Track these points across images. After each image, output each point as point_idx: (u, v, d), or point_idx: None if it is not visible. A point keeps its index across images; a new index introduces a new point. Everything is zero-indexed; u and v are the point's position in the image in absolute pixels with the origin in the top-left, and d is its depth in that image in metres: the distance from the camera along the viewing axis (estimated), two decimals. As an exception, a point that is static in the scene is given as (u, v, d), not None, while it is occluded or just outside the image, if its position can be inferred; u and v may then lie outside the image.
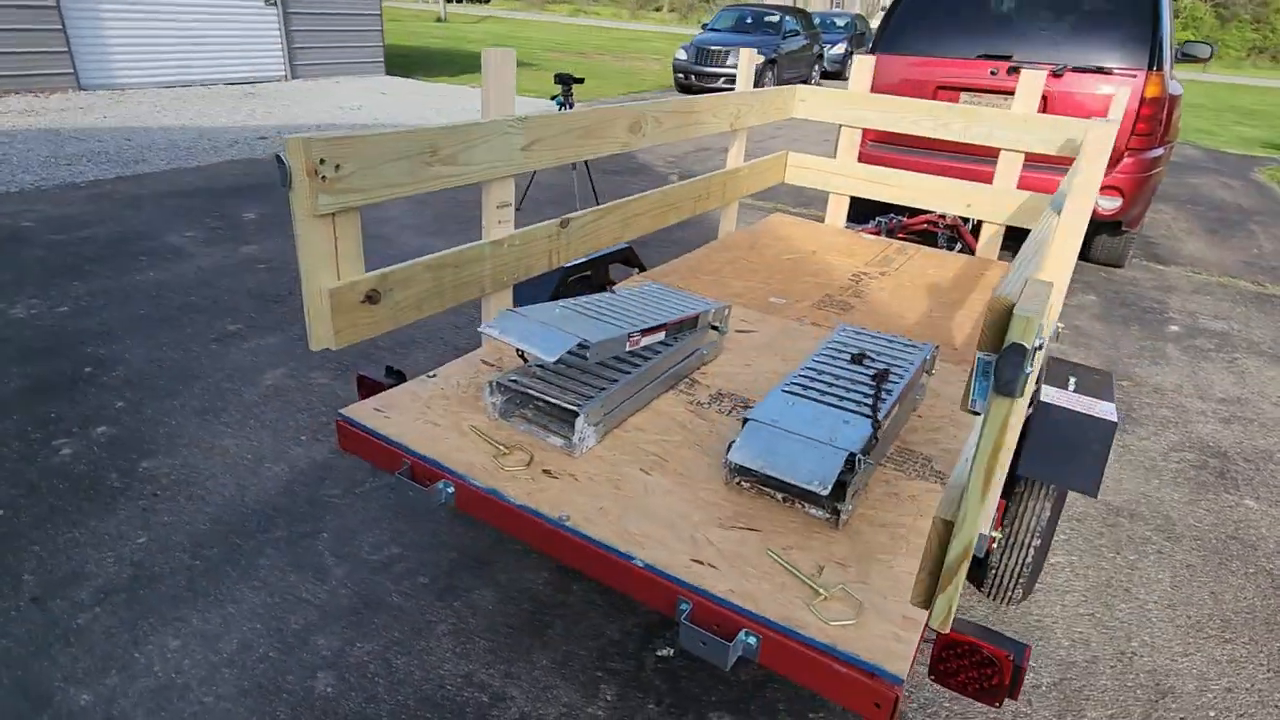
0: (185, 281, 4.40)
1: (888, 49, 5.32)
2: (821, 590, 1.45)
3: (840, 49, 18.52)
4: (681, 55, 14.48)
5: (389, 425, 1.90)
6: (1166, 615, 2.38)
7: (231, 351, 3.65)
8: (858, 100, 3.77)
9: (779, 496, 1.74)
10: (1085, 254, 5.65)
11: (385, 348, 3.77)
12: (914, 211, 4.87)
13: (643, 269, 3.14)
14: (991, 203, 3.57)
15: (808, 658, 1.35)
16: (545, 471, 1.78)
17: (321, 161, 1.68)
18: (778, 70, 14.59)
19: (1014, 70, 4.81)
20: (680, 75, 14.63)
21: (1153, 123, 4.59)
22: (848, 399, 1.84)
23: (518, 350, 1.87)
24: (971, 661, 1.39)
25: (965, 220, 4.72)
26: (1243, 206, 8.41)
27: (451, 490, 1.76)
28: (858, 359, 2.03)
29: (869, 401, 1.82)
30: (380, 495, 2.70)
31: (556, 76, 5.78)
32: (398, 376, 2.18)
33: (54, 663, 1.98)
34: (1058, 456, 1.95)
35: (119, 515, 2.52)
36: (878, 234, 4.42)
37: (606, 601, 2.29)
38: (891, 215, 4.53)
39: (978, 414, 1.02)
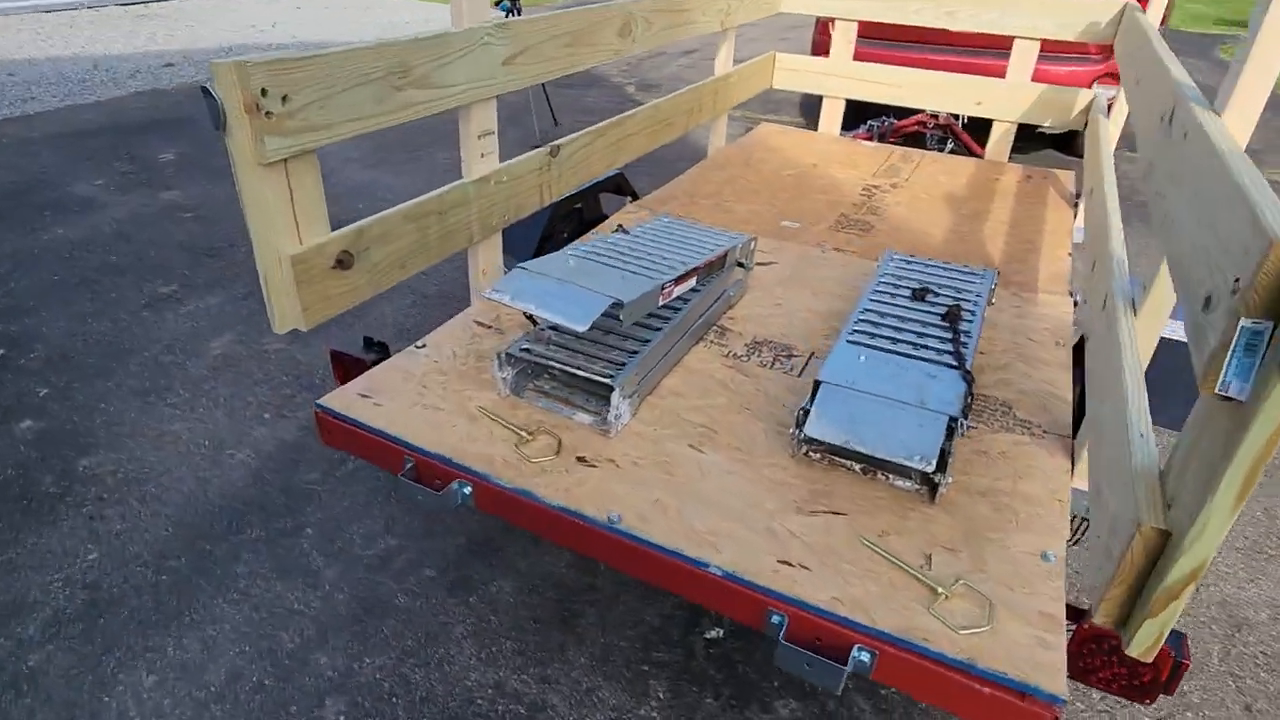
0: (101, 237, 3.86)
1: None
2: (940, 589, 1.22)
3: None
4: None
5: (381, 415, 1.58)
6: (1225, 540, 2.26)
7: (167, 318, 3.20)
8: (851, -12, 3.37)
9: (856, 467, 1.49)
10: (1069, 147, 5.43)
11: (345, 301, 3.37)
12: (903, 113, 4.53)
13: (635, 197, 2.79)
14: (1005, 99, 3.26)
15: (938, 675, 1.13)
16: (579, 459, 1.49)
17: (264, 93, 1.28)
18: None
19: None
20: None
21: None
22: (923, 346, 1.57)
23: (485, 294, 1.55)
24: (1120, 657, 1.19)
25: (957, 118, 4.41)
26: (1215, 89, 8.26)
27: (469, 491, 1.46)
28: (919, 295, 1.76)
29: (947, 348, 1.56)
30: (367, 475, 2.39)
31: (501, -20, 5.16)
32: (380, 350, 1.84)
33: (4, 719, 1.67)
34: None
35: (62, 528, 2.16)
36: (870, 139, 4.10)
37: (640, 582, 2.06)
38: (883, 118, 4.19)
39: (1230, 399, 0.76)
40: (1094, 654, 1.19)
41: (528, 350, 1.60)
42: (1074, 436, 1.65)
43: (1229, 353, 0.75)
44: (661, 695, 1.76)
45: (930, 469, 1.31)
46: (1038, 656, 1.12)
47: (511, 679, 1.79)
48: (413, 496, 1.49)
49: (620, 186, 2.69)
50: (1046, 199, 2.96)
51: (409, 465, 1.51)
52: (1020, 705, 1.08)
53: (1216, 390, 0.77)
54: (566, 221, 2.47)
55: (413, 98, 1.60)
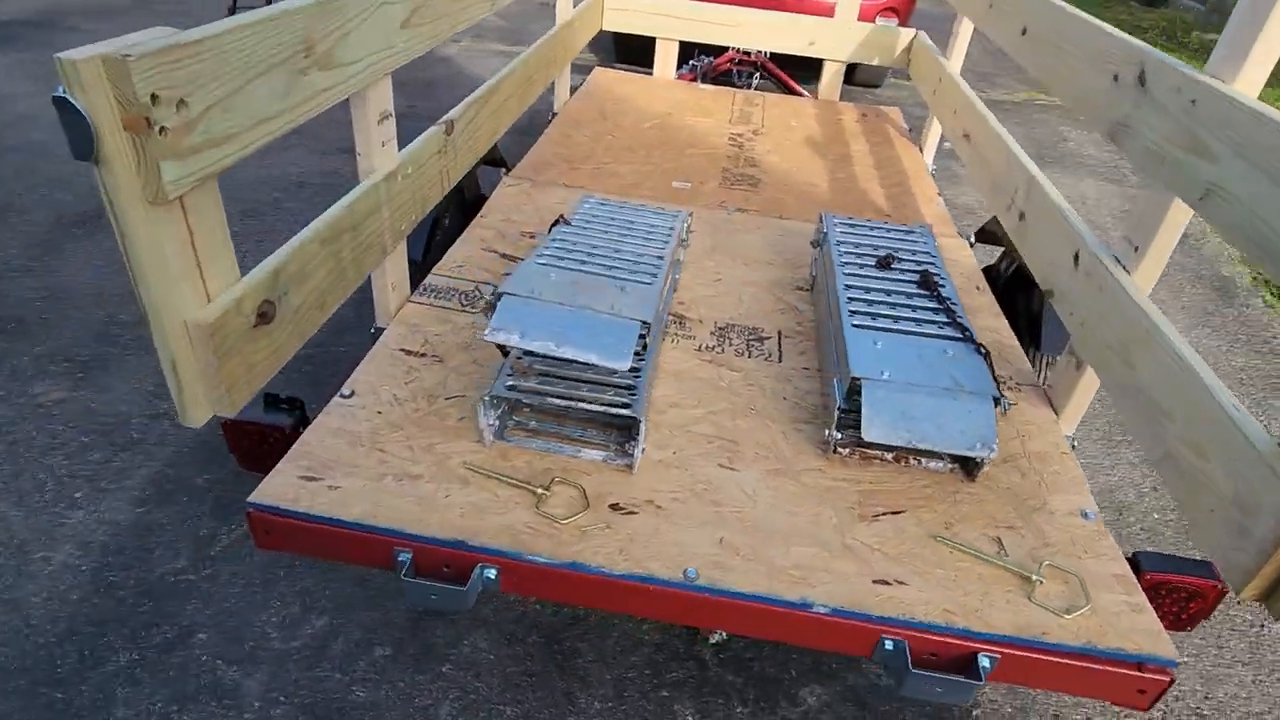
0: None
1: None
2: (1032, 575, 1.22)
3: None
4: None
5: (345, 500, 1.24)
6: (1083, 432, 2.61)
7: None
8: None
9: (888, 456, 1.45)
10: (850, 78, 5.79)
11: (120, 327, 2.66)
12: (718, 52, 4.50)
13: (509, 168, 2.46)
14: (835, 39, 3.33)
15: (1058, 665, 1.14)
16: (614, 508, 1.28)
17: (154, 99, 0.86)
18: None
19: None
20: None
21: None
22: (919, 320, 1.55)
23: (487, 337, 1.27)
24: (1173, 597, 1.28)
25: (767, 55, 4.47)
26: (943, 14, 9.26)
27: (494, 574, 1.20)
28: (885, 263, 1.73)
29: (939, 318, 1.56)
30: (249, 540, 1.93)
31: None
32: (292, 409, 1.43)
33: None
34: None
35: None
36: (694, 79, 4.02)
37: (619, 596, 1.90)
38: (703, 58, 4.12)
39: None
40: (1151, 599, 1.27)
41: (522, 388, 1.32)
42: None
43: None
44: (691, 718, 1.66)
45: (993, 454, 1.30)
46: (1137, 623, 1.17)
47: (527, 751, 1.58)
48: (422, 598, 1.20)
49: (495, 158, 2.35)
50: (891, 138, 3.10)
51: (403, 558, 1.20)
52: (1140, 676, 1.12)
53: None
54: (446, 204, 2.11)
55: (316, 84, 1.21)
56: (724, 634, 1.84)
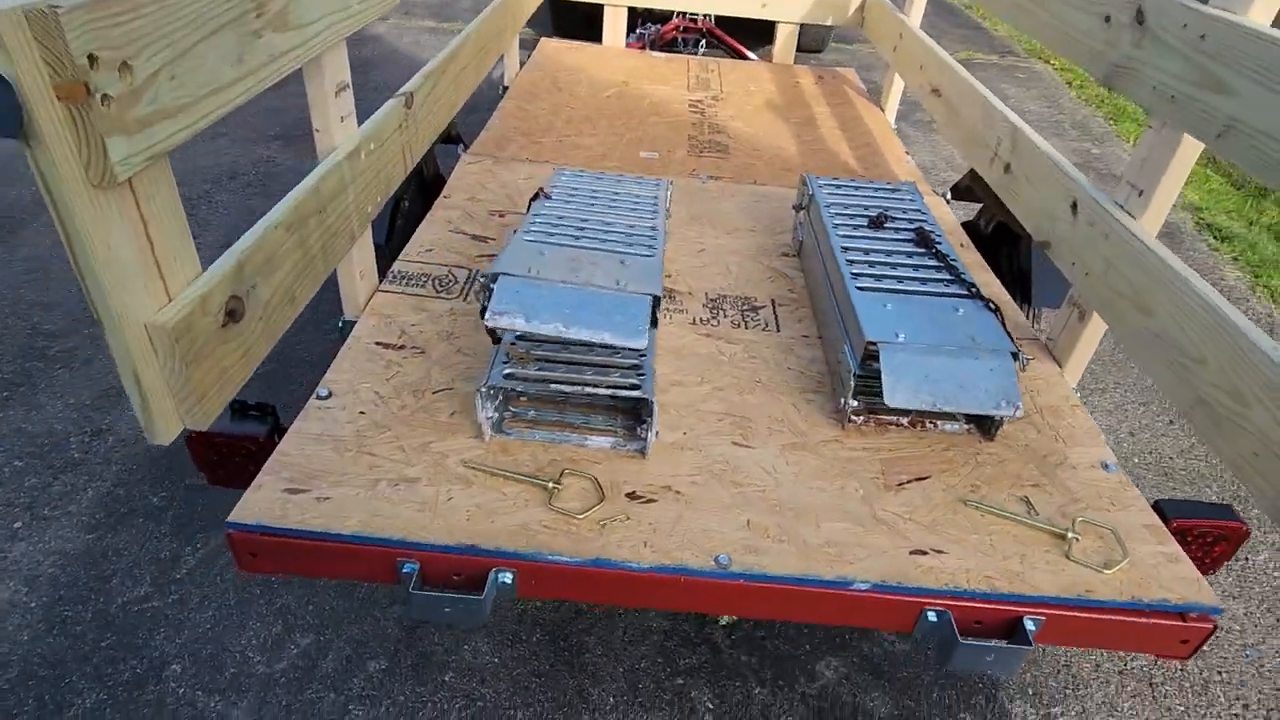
0: None
1: None
2: (1067, 532, 1.19)
3: None
4: None
5: (339, 511, 1.12)
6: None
7: None
8: (624, -121, 3.05)
9: (903, 421, 1.40)
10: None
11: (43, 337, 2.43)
12: (664, 19, 4.38)
13: (466, 145, 2.32)
14: (787, 0, 3.25)
15: (1106, 623, 1.11)
16: (630, 496, 1.20)
17: (92, 61, 0.73)
18: None
19: None
20: None
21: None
22: (923, 279, 1.50)
23: (489, 322, 1.17)
24: (1199, 542, 1.27)
25: (708, 19, 4.37)
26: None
27: (510, 579, 1.11)
28: (877, 222, 1.67)
29: (942, 275, 1.51)
30: (222, 561, 1.79)
31: None
32: (264, 416, 1.29)
33: None
34: None
35: None
36: (643, 48, 3.90)
37: (622, 585, 1.83)
38: (649, 25, 4.00)
39: None
40: (1181, 543, 1.25)
41: (514, 376, 1.22)
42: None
43: None
44: (710, 704, 1.60)
45: (1019, 413, 1.26)
46: (1177, 573, 1.15)
47: (545, 756, 1.50)
48: (433, 612, 1.10)
49: (451, 134, 2.21)
50: (851, 99, 3.05)
51: (408, 570, 1.10)
52: (1184, 626, 1.10)
53: None
54: (406, 185, 1.97)
55: (272, 47, 1.07)
56: (734, 615, 1.78)
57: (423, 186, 2.08)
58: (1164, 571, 1.15)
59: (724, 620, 1.77)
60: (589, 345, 1.22)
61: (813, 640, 1.74)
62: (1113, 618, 1.11)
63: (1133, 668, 1.76)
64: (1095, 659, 1.77)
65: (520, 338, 1.28)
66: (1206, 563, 1.30)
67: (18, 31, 0.67)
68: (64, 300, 2.62)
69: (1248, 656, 1.81)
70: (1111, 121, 5.13)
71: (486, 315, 1.15)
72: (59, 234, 0.80)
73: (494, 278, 1.20)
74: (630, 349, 1.17)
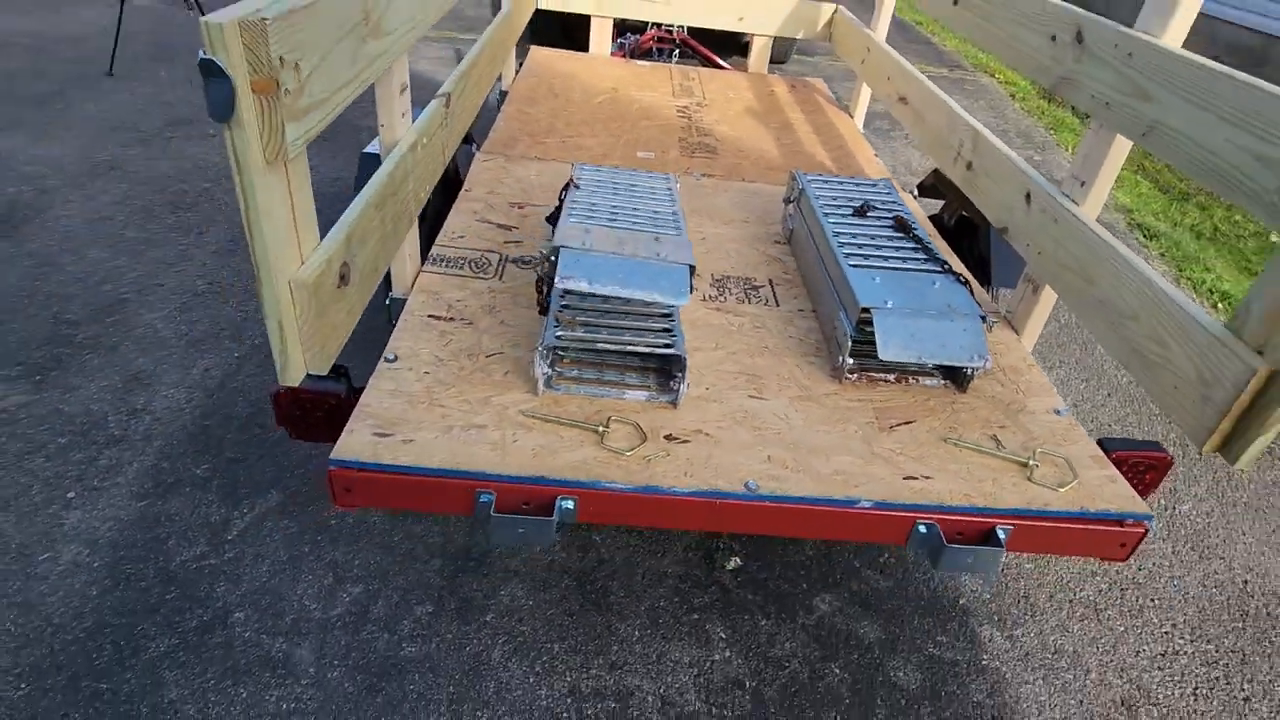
0: None
1: None
2: (1029, 462, 1.44)
3: None
4: None
5: (423, 451, 1.31)
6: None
7: None
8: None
9: (890, 378, 1.64)
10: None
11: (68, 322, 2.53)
12: (641, 29, 4.61)
13: (477, 144, 2.50)
14: (762, 14, 3.52)
15: (1060, 530, 1.36)
16: (668, 438, 1.41)
17: (281, 62, 0.91)
18: None
19: None
20: None
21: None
22: (904, 258, 1.74)
23: (543, 288, 1.37)
24: (1133, 471, 1.54)
25: (681, 31, 4.62)
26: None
27: (572, 505, 1.31)
28: (861, 211, 1.92)
29: (919, 255, 1.76)
30: (271, 526, 1.94)
31: None
32: (339, 377, 1.46)
33: None
34: None
35: None
36: (624, 56, 4.13)
37: (636, 536, 2.03)
38: (630, 35, 4.23)
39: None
40: (1120, 471, 1.51)
41: (579, 339, 1.42)
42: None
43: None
44: (723, 635, 1.82)
45: (988, 365, 1.51)
46: (1116, 489, 1.41)
47: (582, 680, 1.69)
48: (509, 535, 1.29)
49: (465, 135, 2.39)
50: (823, 106, 3.32)
51: (485, 499, 1.29)
52: (1122, 530, 1.36)
53: (1337, 261, 1.03)
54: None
55: (371, 52, 1.26)
56: (739, 560, 2.01)
57: (445, 181, 2.25)
58: (1106, 489, 1.41)
59: (730, 565, 1.99)
60: (632, 307, 1.43)
61: (809, 579, 1.97)
62: (1066, 525, 1.36)
63: (1081, 597, 2.04)
64: (1049, 590, 2.04)
65: (566, 306, 1.49)
66: (1140, 488, 1.56)
67: (234, 37, 0.86)
68: (80, 292, 2.71)
69: (1174, 586, 2.10)
70: (1052, 131, 5.55)
71: (556, 279, 1.35)
72: (239, 203, 0.97)
73: (556, 250, 1.40)
74: (674, 308, 1.38)
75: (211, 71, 0.85)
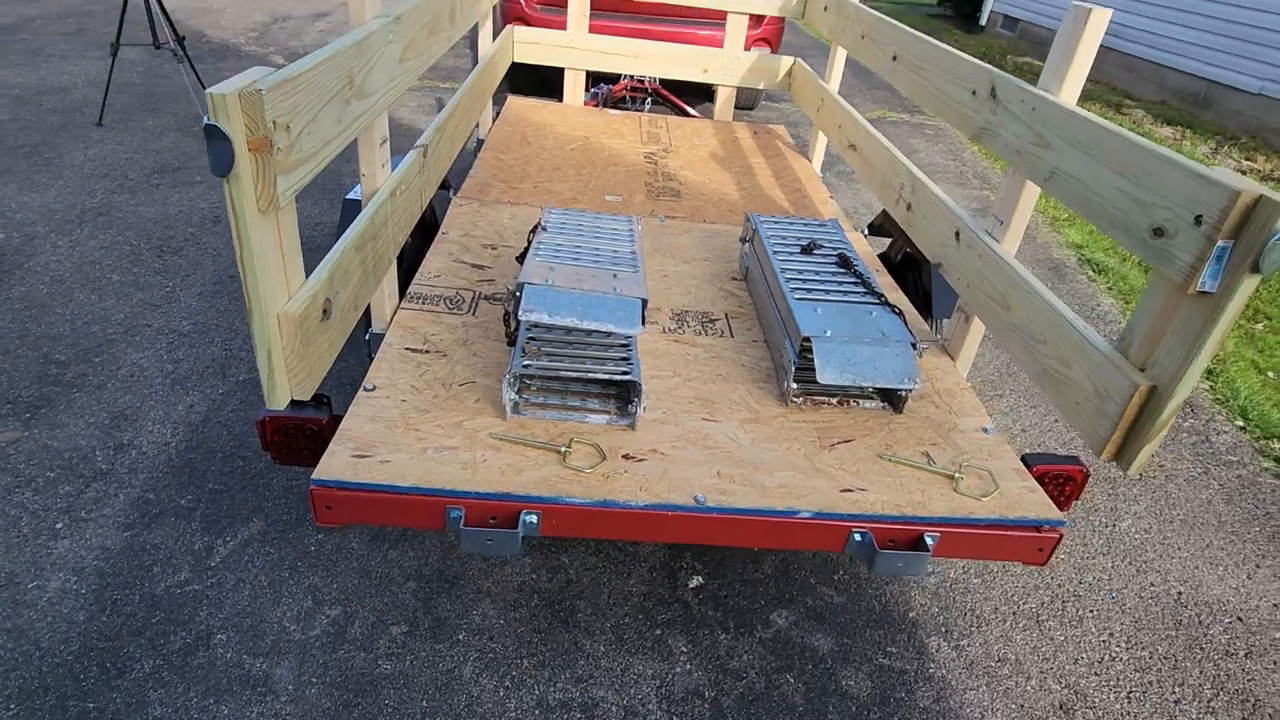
0: None
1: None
2: (955, 474, 1.58)
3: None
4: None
5: (398, 471, 1.42)
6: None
7: None
8: (582, -36, 3.51)
9: (832, 401, 1.78)
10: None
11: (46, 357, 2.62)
12: (614, 79, 4.84)
13: (455, 189, 2.66)
14: (726, 66, 3.74)
15: (983, 536, 1.49)
16: (626, 457, 1.54)
17: (274, 125, 1.06)
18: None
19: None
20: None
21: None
22: (844, 291, 1.90)
23: (510, 321, 1.50)
24: (1056, 482, 1.68)
25: (653, 81, 4.86)
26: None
27: (535, 519, 1.42)
28: (808, 249, 2.08)
29: (859, 288, 1.92)
30: (254, 551, 2.02)
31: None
32: (320, 405, 1.58)
33: None
34: None
35: None
36: (597, 105, 4.34)
37: (604, 558, 2.14)
38: (602, 85, 4.46)
39: (1205, 294, 1.19)
40: (1041, 484, 1.65)
41: (544, 367, 1.55)
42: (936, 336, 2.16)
43: (1206, 263, 1.17)
44: (684, 649, 1.91)
45: (918, 387, 1.65)
46: (1033, 499, 1.55)
47: (550, 693, 1.78)
48: (478, 545, 1.40)
49: (442, 181, 2.55)
50: (783, 152, 3.53)
51: (455, 515, 1.40)
52: (1039, 536, 1.49)
53: (1196, 288, 1.19)
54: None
55: (355, 111, 1.41)
56: (701, 579, 2.11)
57: (422, 224, 2.40)
58: (1025, 499, 1.55)
59: (693, 583, 2.10)
60: (591, 340, 1.56)
61: (767, 595, 2.08)
62: (987, 532, 1.49)
63: (1025, 609, 2.16)
64: (995, 603, 2.16)
65: (533, 338, 1.62)
66: (1061, 499, 1.71)
67: (235, 106, 0.99)
68: (68, 333, 2.81)
69: (1113, 598, 2.23)
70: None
71: (520, 312, 1.49)
72: (235, 245, 1.10)
73: (520, 286, 1.53)
74: (627, 337, 1.52)
75: (214, 135, 0.98)
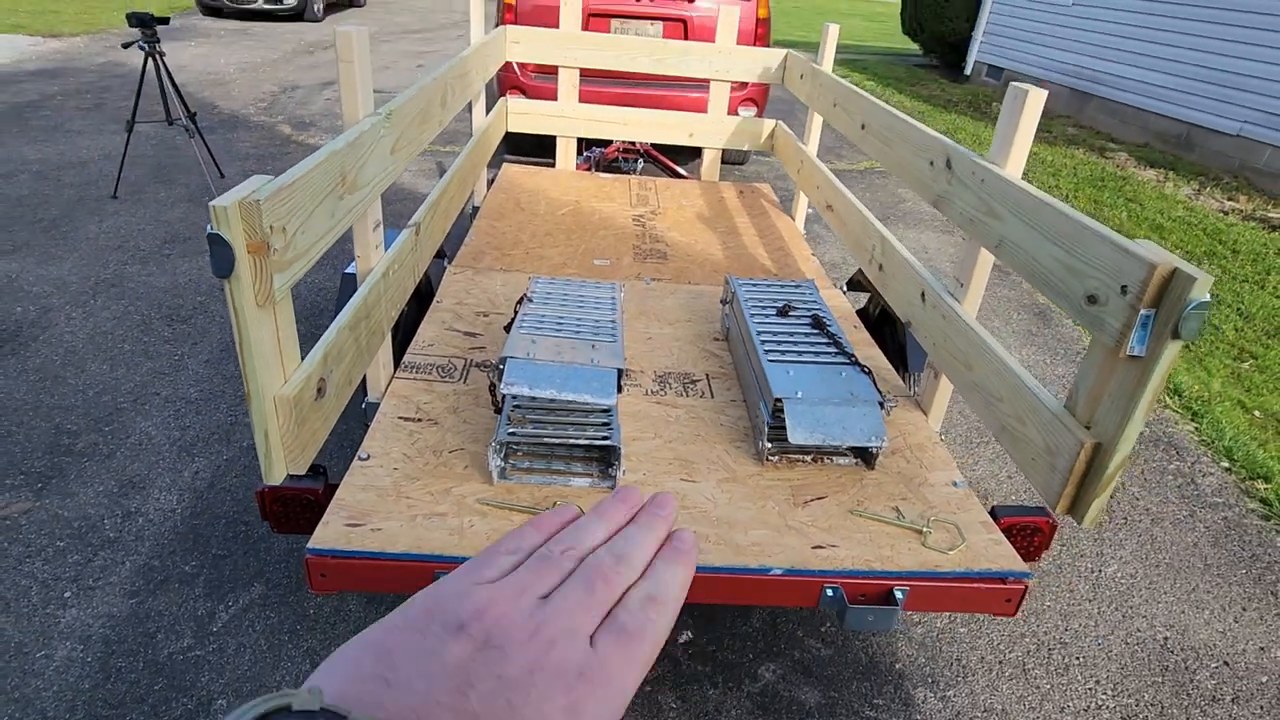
0: None
1: (528, -24, 5.21)
2: (922, 529, 1.64)
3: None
4: (200, -28, 12.00)
5: (389, 539, 1.50)
6: (948, 439, 3.15)
7: None
8: (571, 40, 3.70)
9: (808, 459, 1.85)
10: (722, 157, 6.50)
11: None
12: (607, 142, 5.04)
13: (449, 258, 2.78)
14: (711, 130, 3.91)
15: (950, 589, 1.55)
16: (607, 519, 1.61)
17: (270, 229, 1.17)
18: (323, -13, 13.04)
19: (654, -4, 5.15)
20: (204, -3, 12.18)
21: (767, 39, 5.40)
22: (817, 352, 1.99)
23: (496, 391, 1.59)
24: (1023, 534, 1.74)
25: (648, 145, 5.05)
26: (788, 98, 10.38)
27: (520, 582, 1.49)
28: (784, 311, 2.18)
29: (830, 349, 2.01)
30: (255, 616, 2.08)
31: (131, 15, 4.41)
32: (316, 475, 1.67)
33: None
34: None
35: None
36: (589, 169, 4.52)
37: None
38: (594, 149, 4.64)
39: (1135, 357, 1.28)
40: (1010, 536, 1.72)
41: (529, 434, 1.64)
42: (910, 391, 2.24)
43: (1133, 330, 1.26)
44: (673, 704, 1.95)
45: (884, 444, 1.73)
46: (999, 551, 1.61)
47: (541, 752, 1.81)
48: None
49: (438, 250, 2.67)
50: (767, 210, 3.67)
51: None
52: (1005, 587, 1.55)
53: (1126, 353, 1.27)
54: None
55: (348, 204, 1.53)
56: (690, 634, 2.16)
57: (417, 293, 2.52)
58: (991, 551, 1.61)
59: (681, 638, 2.14)
60: (573, 407, 1.66)
61: (755, 650, 2.13)
62: (954, 585, 1.55)
63: (1010, 658, 2.19)
64: (981, 653, 2.20)
65: (518, 406, 1.71)
66: (1030, 550, 1.77)
67: (235, 214, 1.11)
68: (80, 404, 2.92)
69: (1099, 644, 2.26)
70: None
71: (501, 385, 1.58)
72: (234, 336, 1.20)
73: (504, 360, 1.63)
74: (603, 406, 1.61)
75: (216, 242, 1.09)
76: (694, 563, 0.43)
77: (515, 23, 5.16)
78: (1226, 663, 2.24)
